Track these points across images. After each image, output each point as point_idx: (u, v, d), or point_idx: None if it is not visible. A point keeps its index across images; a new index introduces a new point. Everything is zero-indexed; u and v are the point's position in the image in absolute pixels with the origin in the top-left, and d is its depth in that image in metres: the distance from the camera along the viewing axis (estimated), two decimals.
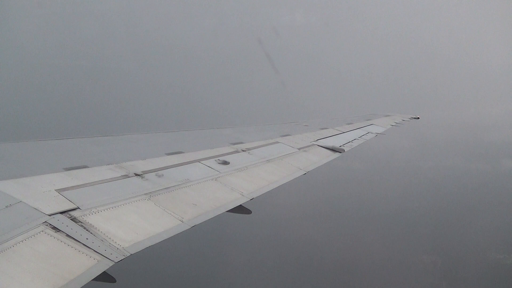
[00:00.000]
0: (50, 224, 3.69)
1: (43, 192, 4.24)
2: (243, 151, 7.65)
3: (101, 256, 3.54)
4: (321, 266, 22.93)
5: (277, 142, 8.94)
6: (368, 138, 11.56)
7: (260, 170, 6.98)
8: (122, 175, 5.23)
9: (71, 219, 3.89)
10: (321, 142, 9.75)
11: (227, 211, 5.26)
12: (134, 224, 4.25)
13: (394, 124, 14.39)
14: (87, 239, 3.68)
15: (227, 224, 19.67)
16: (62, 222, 3.79)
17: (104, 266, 3.47)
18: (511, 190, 34.68)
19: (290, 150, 8.62)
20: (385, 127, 13.51)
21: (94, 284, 3.34)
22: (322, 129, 11.31)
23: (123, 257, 3.65)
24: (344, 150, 9.49)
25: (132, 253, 3.76)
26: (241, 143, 8.07)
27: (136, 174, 5.36)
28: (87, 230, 3.82)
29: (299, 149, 8.82)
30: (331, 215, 28.09)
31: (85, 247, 3.58)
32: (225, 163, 6.72)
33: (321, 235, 25.59)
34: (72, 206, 4.12)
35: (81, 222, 3.91)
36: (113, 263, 3.53)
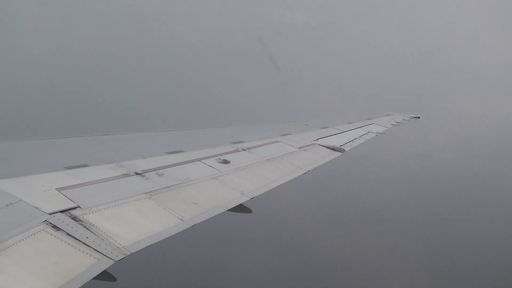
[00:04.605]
0: (51, 223, 3.68)
1: (43, 190, 4.23)
2: (244, 150, 7.65)
3: (102, 255, 3.54)
4: (321, 265, 22.94)
5: (278, 141, 8.94)
6: (369, 138, 11.57)
7: (261, 169, 6.98)
8: (122, 174, 5.23)
9: (71, 218, 3.88)
10: (322, 142, 9.75)
11: (227, 210, 5.27)
12: (134, 223, 4.25)
13: (394, 123, 14.39)
14: (87, 237, 3.68)
15: (228, 223, 19.63)
16: (63, 221, 3.79)
17: (105, 265, 3.47)
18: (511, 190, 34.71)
19: (290, 149, 8.62)
20: (385, 127, 13.52)
21: (94, 283, 3.34)
22: (323, 128, 11.30)
23: (124, 256, 3.66)
24: (344, 150, 9.48)
25: (133, 252, 3.76)
26: (242, 142, 8.07)
27: (137, 173, 5.36)
28: (87, 229, 3.82)
29: (299, 148, 8.82)
30: (331, 215, 28.07)
31: (85, 246, 3.57)
32: (226, 162, 6.72)
33: (321, 234, 25.58)
34: (73, 205, 4.12)
35: (82, 221, 3.90)
36: (114, 262, 3.53)
